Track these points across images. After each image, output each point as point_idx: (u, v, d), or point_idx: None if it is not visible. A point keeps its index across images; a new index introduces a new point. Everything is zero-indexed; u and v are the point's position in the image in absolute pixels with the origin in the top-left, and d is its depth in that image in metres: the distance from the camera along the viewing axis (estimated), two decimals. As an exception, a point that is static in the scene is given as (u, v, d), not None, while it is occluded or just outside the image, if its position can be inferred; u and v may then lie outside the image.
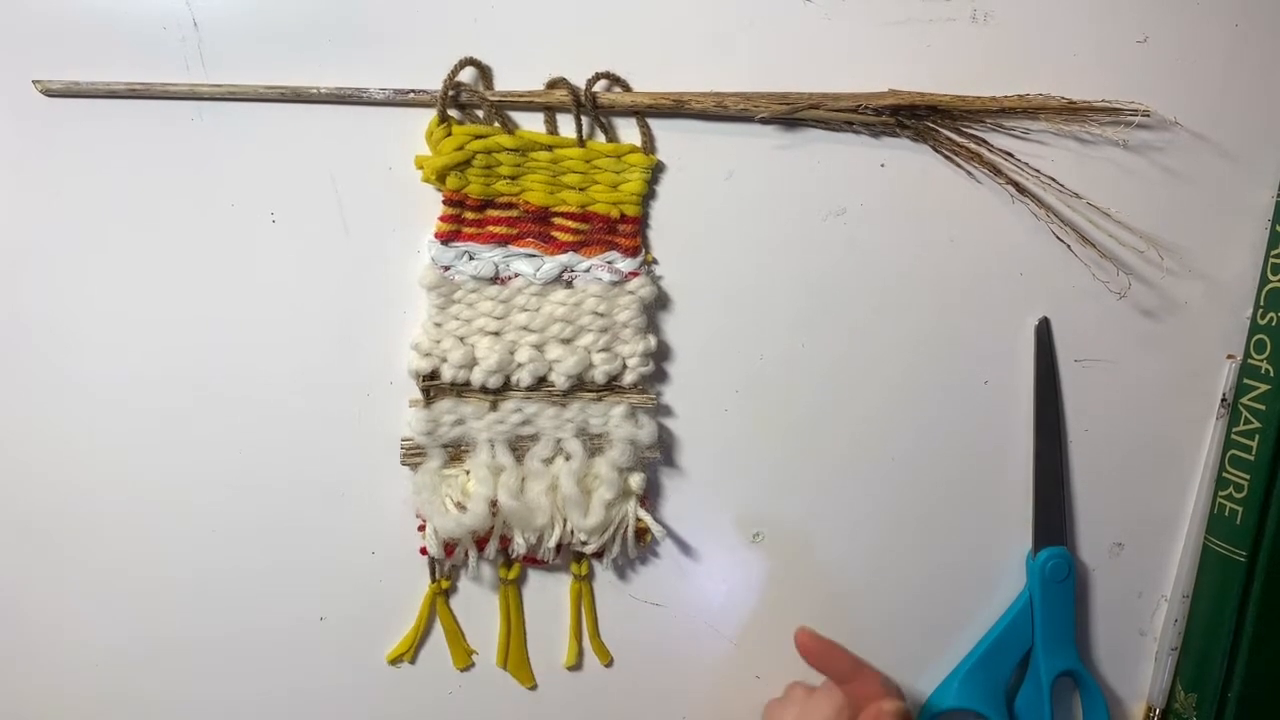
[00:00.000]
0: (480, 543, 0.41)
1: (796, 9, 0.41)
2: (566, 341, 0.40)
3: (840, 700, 0.40)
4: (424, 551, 0.41)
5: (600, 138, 0.40)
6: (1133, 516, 0.46)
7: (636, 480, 0.41)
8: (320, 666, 0.43)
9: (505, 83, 0.40)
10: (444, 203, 0.39)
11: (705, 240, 0.42)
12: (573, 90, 0.39)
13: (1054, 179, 0.42)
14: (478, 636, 0.43)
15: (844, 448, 0.44)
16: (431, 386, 0.40)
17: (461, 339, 0.40)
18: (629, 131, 0.41)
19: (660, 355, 0.42)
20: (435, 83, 0.38)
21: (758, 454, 0.44)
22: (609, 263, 0.40)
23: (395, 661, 0.43)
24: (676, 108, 0.40)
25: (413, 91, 0.38)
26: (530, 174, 0.40)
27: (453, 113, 0.39)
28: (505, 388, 0.40)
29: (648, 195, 0.41)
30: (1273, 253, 0.44)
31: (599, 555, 0.42)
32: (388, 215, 0.40)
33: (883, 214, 0.42)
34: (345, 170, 0.39)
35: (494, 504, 0.40)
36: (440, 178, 0.39)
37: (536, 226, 0.40)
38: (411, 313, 0.40)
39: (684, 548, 0.44)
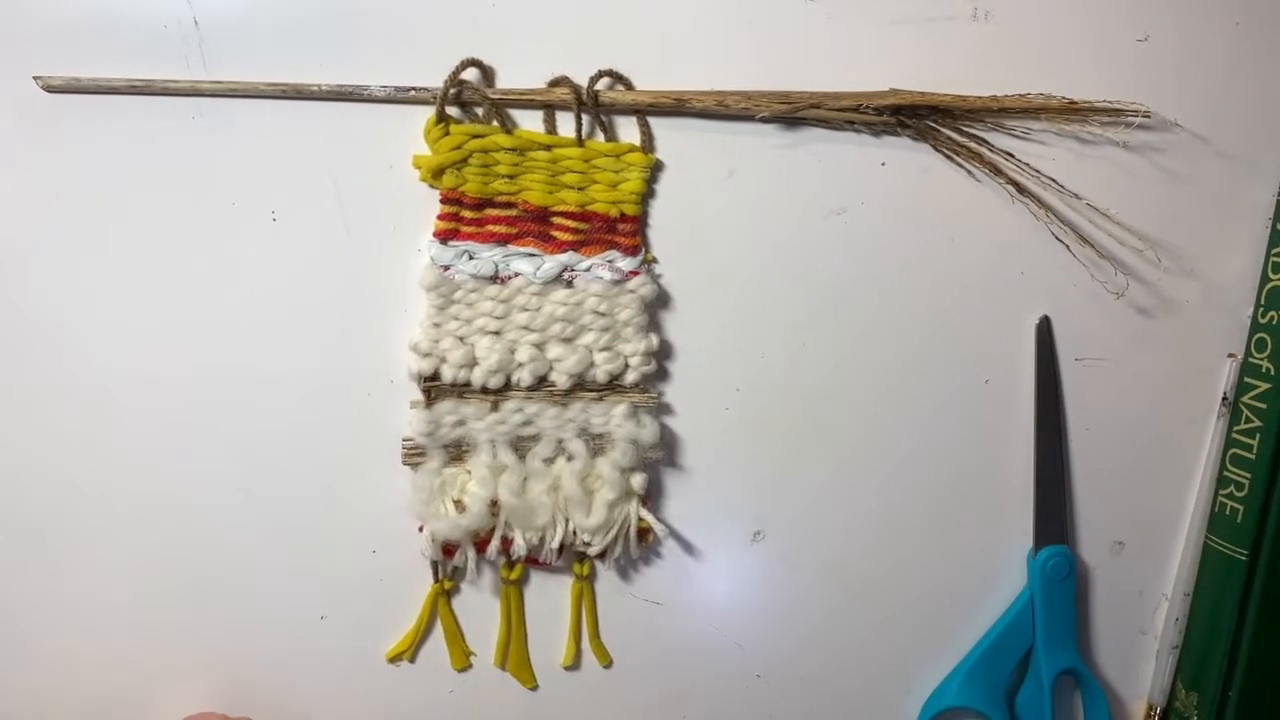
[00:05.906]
0: (481, 544, 0.40)
1: (798, 8, 0.41)
2: (567, 341, 0.40)
3: None
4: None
5: (600, 137, 0.40)
6: (1133, 515, 0.46)
7: (638, 480, 0.41)
8: (320, 664, 0.42)
9: (506, 80, 0.39)
10: (441, 201, 0.39)
11: (706, 239, 0.42)
12: (575, 88, 0.39)
13: (1054, 179, 0.42)
14: (479, 636, 0.43)
15: (845, 446, 0.44)
16: (432, 387, 0.40)
17: (461, 339, 0.40)
18: (629, 130, 0.41)
19: (661, 354, 0.42)
20: (436, 80, 0.38)
21: (759, 453, 0.43)
22: (609, 262, 0.40)
23: (395, 660, 0.43)
24: (677, 106, 0.40)
25: (414, 89, 0.38)
26: (529, 173, 0.40)
27: (453, 111, 0.39)
28: (506, 388, 0.40)
29: (648, 194, 0.41)
30: (1273, 251, 0.44)
31: (601, 556, 0.42)
32: (388, 214, 0.40)
33: (883, 213, 0.42)
34: (345, 168, 0.39)
35: (494, 504, 0.39)
36: (436, 176, 0.39)
37: (536, 226, 0.40)
38: (413, 311, 0.40)
39: (686, 547, 0.44)
